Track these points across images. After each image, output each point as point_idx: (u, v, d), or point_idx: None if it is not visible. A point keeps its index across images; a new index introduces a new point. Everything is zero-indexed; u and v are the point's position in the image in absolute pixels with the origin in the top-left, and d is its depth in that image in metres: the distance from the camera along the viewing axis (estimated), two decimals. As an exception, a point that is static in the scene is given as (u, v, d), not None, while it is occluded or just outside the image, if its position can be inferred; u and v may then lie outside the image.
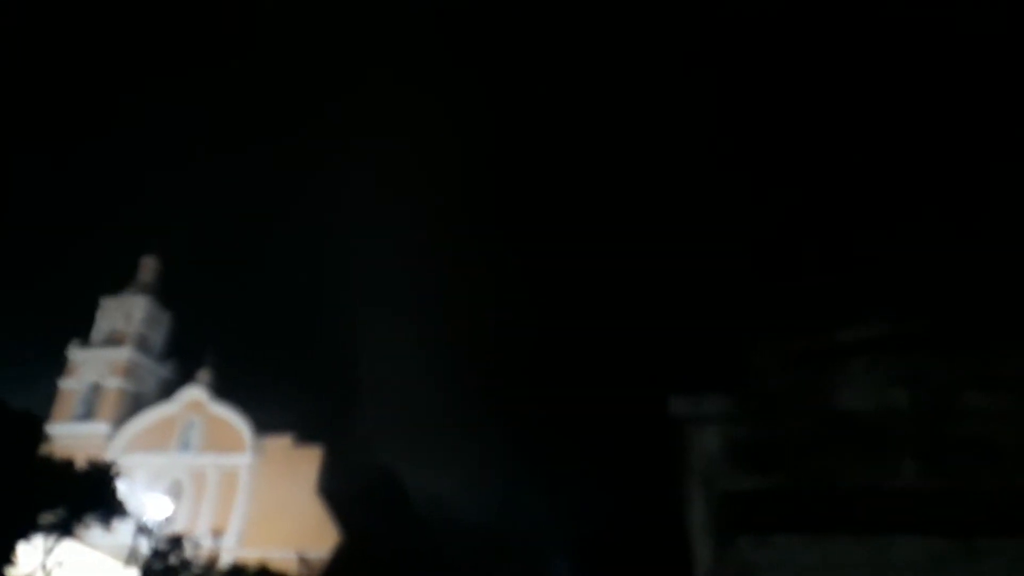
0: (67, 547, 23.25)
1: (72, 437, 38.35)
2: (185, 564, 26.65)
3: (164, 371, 45.84)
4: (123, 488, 24.93)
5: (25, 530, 20.84)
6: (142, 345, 45.06)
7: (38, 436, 25.85)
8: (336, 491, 37.68)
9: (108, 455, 37.35)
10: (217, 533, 36.22)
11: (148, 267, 48.53)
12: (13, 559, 20.09)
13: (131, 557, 26.98)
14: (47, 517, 21.75)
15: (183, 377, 44.23)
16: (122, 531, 26.34)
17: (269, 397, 42.52)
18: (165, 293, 47.94)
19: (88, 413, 42.28)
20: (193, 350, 45.36)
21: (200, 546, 28.36)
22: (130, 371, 43.62)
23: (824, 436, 5.95)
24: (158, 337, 46.83)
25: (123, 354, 43.72)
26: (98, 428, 41.04)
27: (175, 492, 38.01)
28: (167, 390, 43.94)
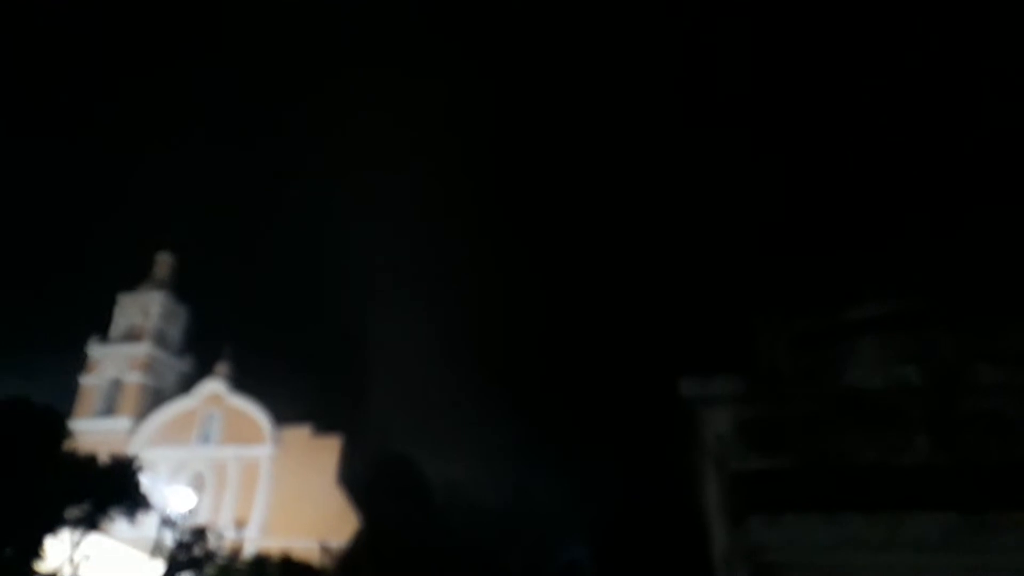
0: (93, 541, 23.61)
1: (94, 433, 38.81)
2: (209, 555, 27.00)
3: (182, 365, 46.27)
4: (146, 482, 25.26)
5: (52, 524, 21.20)
6: (160, 340, 45.46)
7: (62, 432, 26.22)
8: (355, 480, 38.00)
9: (130, 449, 37.90)
10: (240, 524, 36.64)
11: (163, 262, 48.87)
12: (41, 553, 20.46)
13: (156, 549, 27.37)
14: (73, 512, 22.10)
15: (201, 371, 44.63)
16: (146, 524, 26.73)
17: (286, 388, 42.84)
18: (181, 288, 48.29)
19: (109, 408, 42.78)
20: (210, 344, 45.75)
21: (223, 537, 28.71)
22: (149, 366, 44.03)
23: (834, 414, 5.97)
24: (175, 332, 47.21)
25: (142, 349, 44.14)
26: (120, 423, 41.52)
27: (197, 484, 38.42)
28: (186, 384, 44.35)
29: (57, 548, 21.78)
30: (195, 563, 26.72)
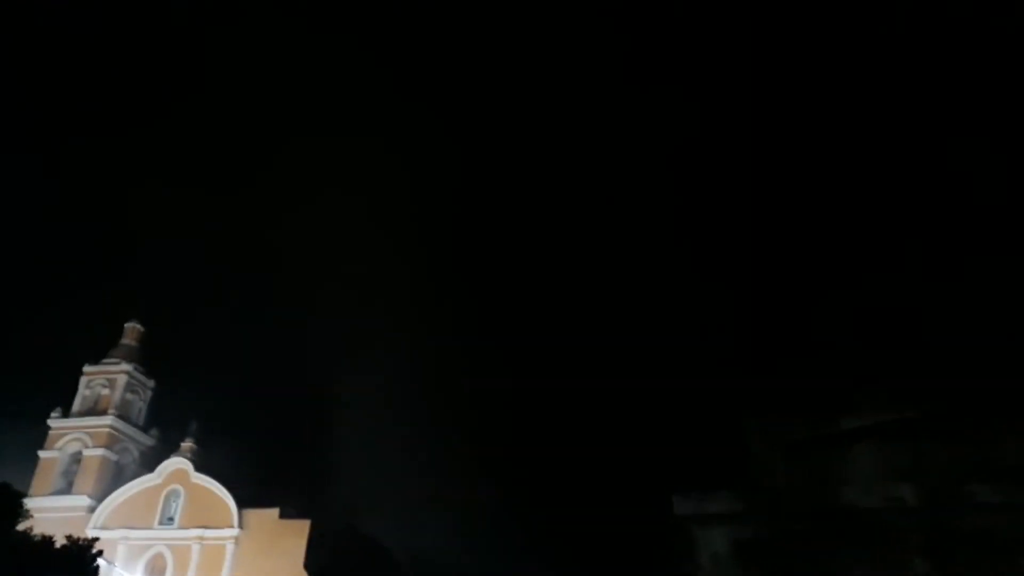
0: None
1: (52, 510, 37.36)
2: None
3: (147, 440, 45.00)
4: (104, 564, 24.28)
5: (2, 614, 20.22)
6: (124, 413, 44.29)
7: (16, 511, 25.30)
8: (323, 565, 36.76)
9: (89, 529, 36.54)
10: (199, 609, 35.09)
11: (132, 333, 47.99)
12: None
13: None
14: (25, 599, 21.10)
15: (166, 447, 43.36)
16: (102, 611, 25.54)
17: (254, 468, 41.50)
18: (148, 360, 47.32)
19: (69, 485, 41.28)
20: (176, 419, 44.56)
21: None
22: (112, 440, 42.76)
23: (831, 534, 5.88)
24: (141, 405, 46.03)
25: (105, 422, 42.95)
26: (79, 501, 40.00)
27: (157, 567, 36.88)
28: (149, 460, 43.01)
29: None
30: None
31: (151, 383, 47.00)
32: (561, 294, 76.79)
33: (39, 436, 43.27)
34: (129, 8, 73.07)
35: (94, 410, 43.92)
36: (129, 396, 45.30)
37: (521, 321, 77.69)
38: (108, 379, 45.32)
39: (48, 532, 25.93)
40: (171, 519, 38.75)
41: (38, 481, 41.08)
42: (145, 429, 45.36)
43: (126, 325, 48.37)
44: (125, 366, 45.60)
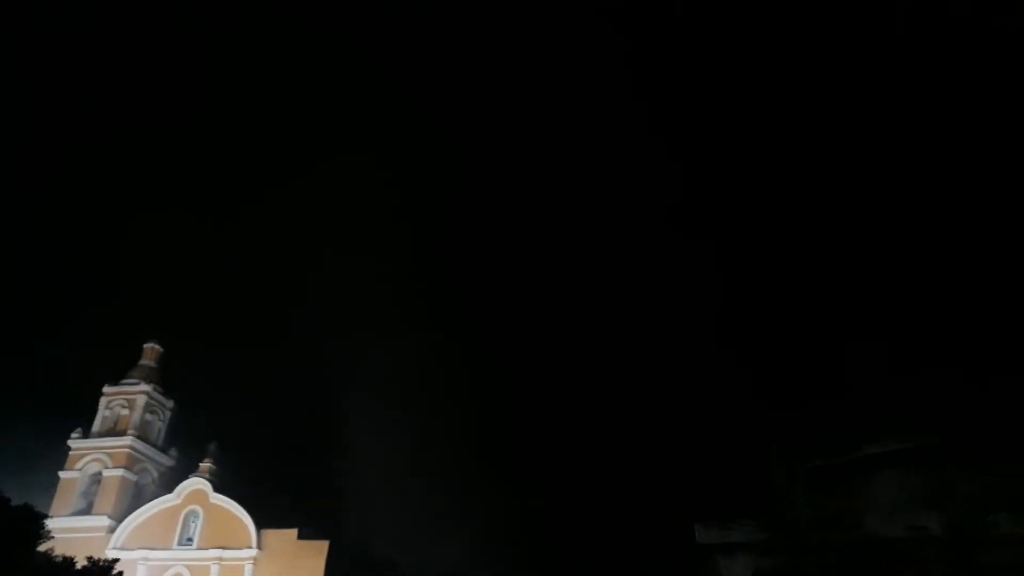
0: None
1: (73, 531, 37.61)
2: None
3: (166, 460, 45.25)
4: (123, 587, 24.37)
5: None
6: (144, 434, 44.56)
7: (38, 532, 25.47)
8: (341, 585, 36.77)
9: (109, 549, 36.77)
10: (218, 630, 35.15)
11: (151, 353, 48.34)
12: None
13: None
14: (46, 621, 21.19)
15: (185, 467, 43.59)
16: (122, 633, 25.64)
17: (273, 488, 41.62)
18: (167, 381, 47.62)
19: (89, 506, 41.58)
20: (195, 439, 44.73)
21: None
22: (132, 460, 43.02)
23: (854, 565, 5.85)
24: (160, 425, 46.29)
25: (125, 443, 43.22)
26: (99, 521, 40.27)
27: (176, 587, 37.11)
28: (168, 481, 43.26)
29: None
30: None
31: (170, 403, 47.25)
32: (579, 315, 76.27)
33: (60, 456, 43.65)
34: (127, 7, 73.62)
35: (114, 431, 44.20)
36: (148, 416, 45.56)
37: (539, 341, 77.21)
38: (127, 400, 45.62)
39: (69, 553, 26.13)
40: (190, 540, 38.91)
41: (59, 501, 41.37)
42: (164, 449, 45.59)
43: (145, 345, 48.71)
44: (144, 387, 45.89)
